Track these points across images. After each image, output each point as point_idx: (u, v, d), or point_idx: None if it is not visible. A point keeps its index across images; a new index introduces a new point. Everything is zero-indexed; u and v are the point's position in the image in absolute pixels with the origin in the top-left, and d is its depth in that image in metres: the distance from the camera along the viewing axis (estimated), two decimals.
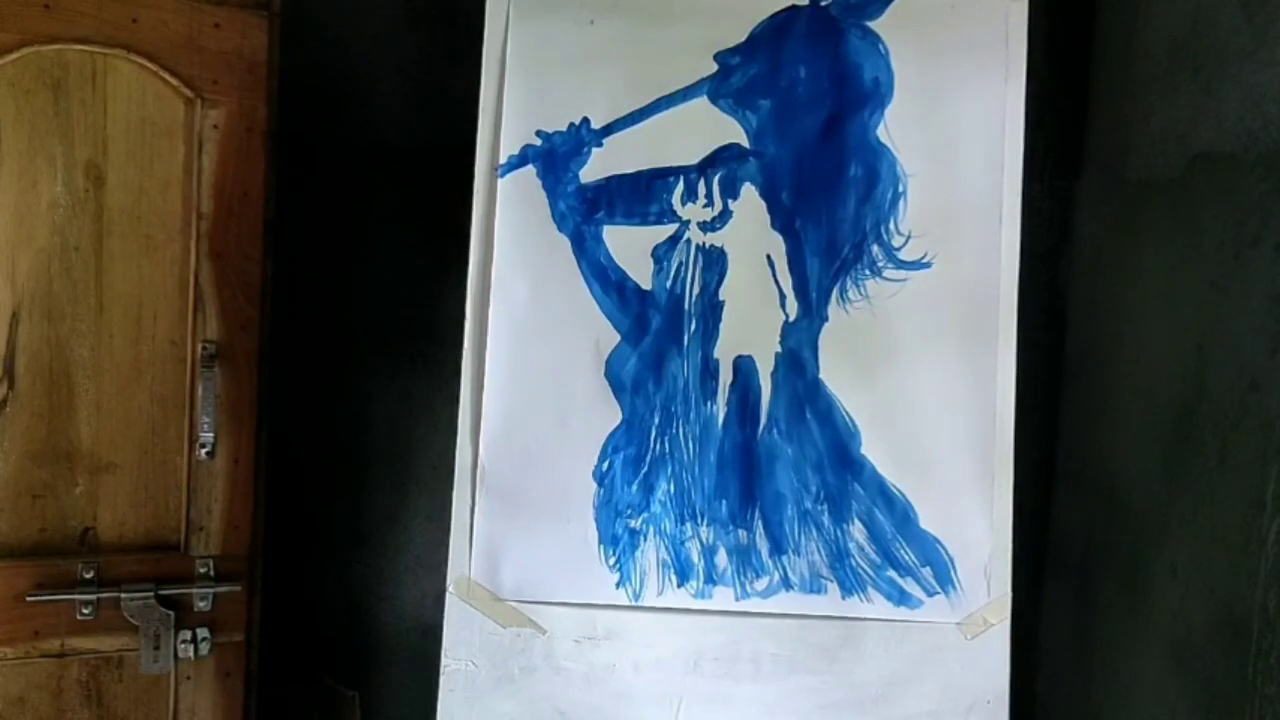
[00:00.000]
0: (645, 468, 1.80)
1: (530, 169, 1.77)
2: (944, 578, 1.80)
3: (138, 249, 1.74)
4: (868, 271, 1.79)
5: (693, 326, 1.80)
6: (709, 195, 1.79)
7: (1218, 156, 1.67)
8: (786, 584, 1.80)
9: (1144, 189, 1.90)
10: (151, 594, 1.77)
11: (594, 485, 1.79)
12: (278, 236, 1.85)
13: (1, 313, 1.69)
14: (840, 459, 1.80)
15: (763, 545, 1.80)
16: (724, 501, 1.80)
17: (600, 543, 1.79)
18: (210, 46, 1.74)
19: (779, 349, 1.80)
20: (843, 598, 1.80)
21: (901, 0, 1.78)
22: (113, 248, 1.73)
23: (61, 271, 1.71)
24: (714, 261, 1.79)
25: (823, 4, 1.79)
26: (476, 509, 1.78)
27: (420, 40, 2.17)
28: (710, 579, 1.80)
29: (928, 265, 1.79)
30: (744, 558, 1.80)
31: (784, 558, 1.80)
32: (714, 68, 1.78)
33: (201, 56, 1.74)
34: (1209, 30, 1.71)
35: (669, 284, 1.79)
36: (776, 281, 1.80)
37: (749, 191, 1.79)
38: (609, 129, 1.78)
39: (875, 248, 1.79)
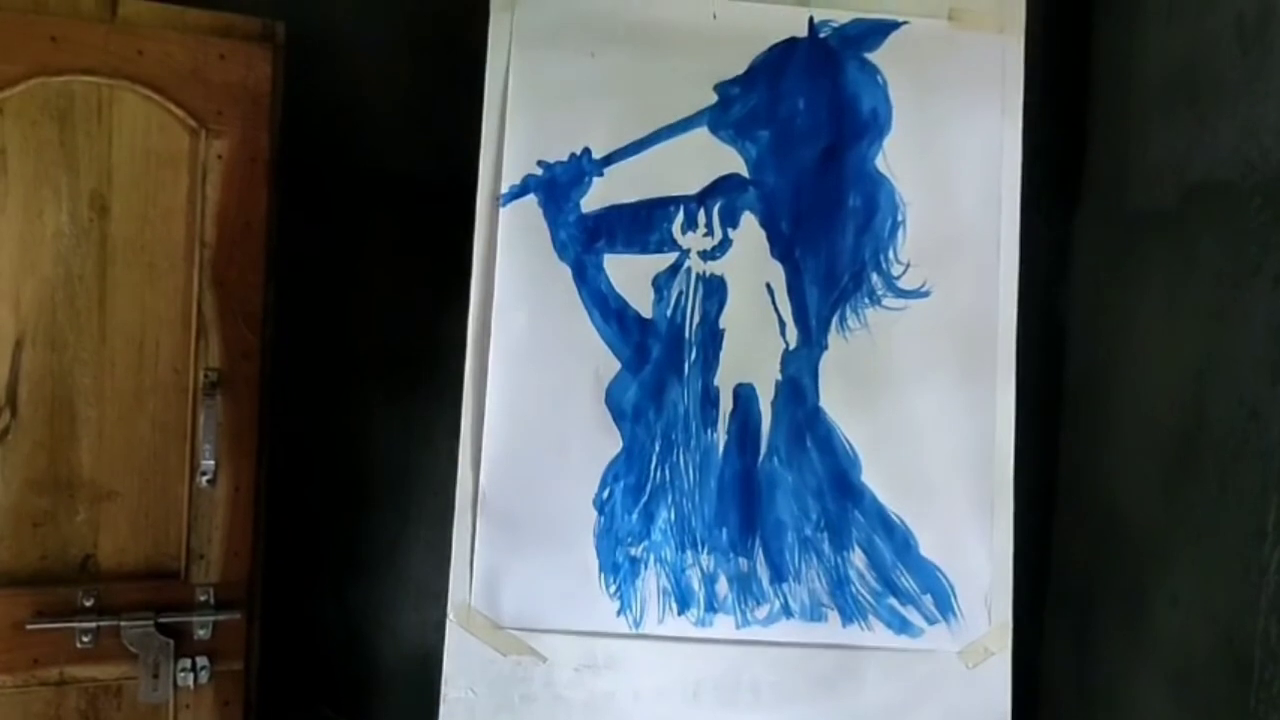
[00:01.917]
0: (646, 496, 1.80)
1: (532, 198, 1.78)
2: (944, 606, 1.79)
3: (141, 278, 1.75)
4: (867, 300, 1.80)
5: (693, 355, 1.80)
6: (709, 224, 1.80)
7: (1215, 187, 1.68)
8: (787, 612, 1.80)
9: (1142, 219, 1.91)
10: (151, 622, 1.76)
11: (594, 513, 1.79)
12: (280, 264, 1.86)
13: (5, 341, 1.70)
14: (840, 486, 1.80)
15: (763, 573, 1.80)
16: (724, 529, 1.80)
17: (601, 570, 1.79)
18: (215, 78, 1.76)
19: (779, 377, 1.80)
20: (843, 626, 1.80)
21: (899, 33, 1.80)
22: (116, 276, 1.74)
23: (65, 300, 1.72)
24: (714, 290, 1.80)
25: (821, 36, 1.81)
26: (477, 537, 1.77)
27: (423, 70, 2.18)
28: (711, 607, 1.80)
29: (926, 294, 1.80)
30: (744, 585, 1.80)
31: (784, 585, 1.80)
32: (714, 98, 1.80)
33: (206, 88, 1.76)
34: (1205, 63, 1.73)
35: (669, 312, 1.80)
36: (776, 310, 1.81)
37: (749, 220, 1.80)
38: (610, 159, 1.79)
39: (874, 276, 1.80)
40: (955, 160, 1.80)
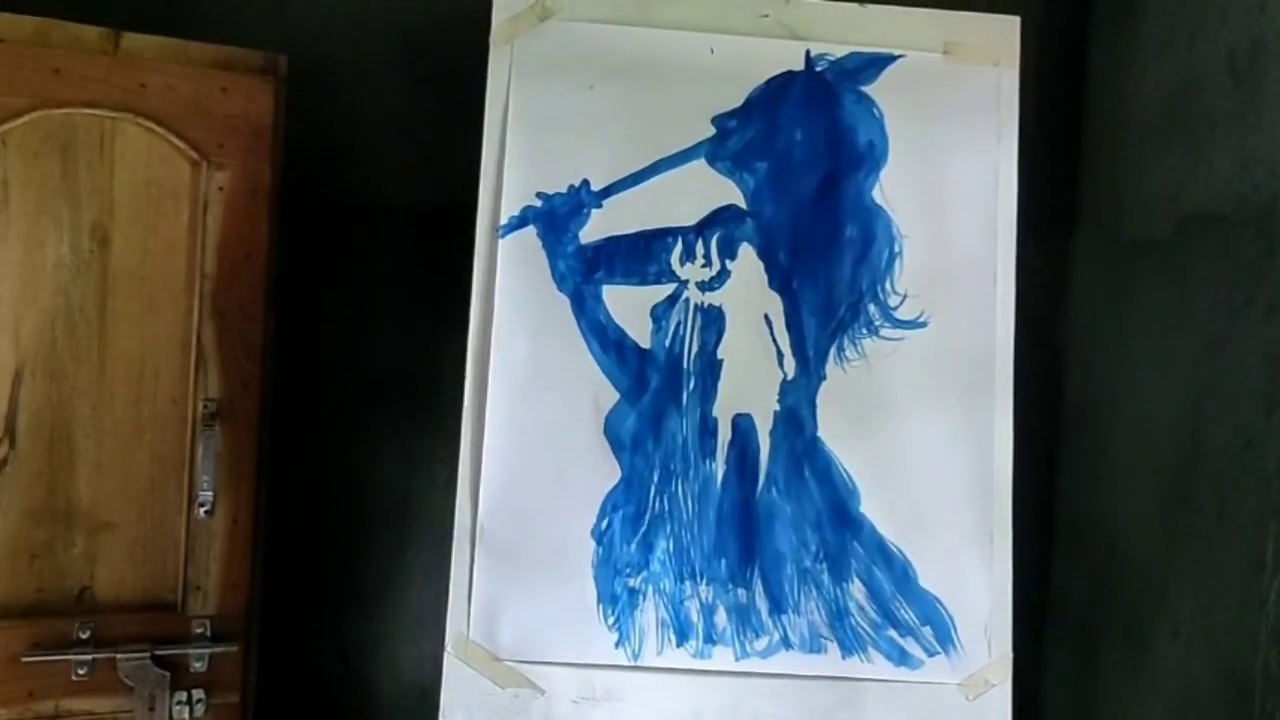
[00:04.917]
0: (644, 526, 1.79)
1: (531, 229, 1.79)
2: (944, 637, 1.79)
3: (141, 309, 1.75)
4: (864, 330, 1.81)
5: (691, 385, 1.80)
6: (707, 255, 1.81)
7: (1209, 218, 1.70)
8: (786, 643, 1.79)
9: (1137, 249, 1.92)
10: (147, 654, 1.75)
11: (593, 544, 1.79)
12: (280, 295, 1.87)
13: (4, 371, 1.70)
14: (839, 517, 1.80)
15: (762, 604, 1.80)
16: (723, 560, 1.80)
17: (599, 602, 1.78)
18: (217, 111, 1.77)
19: (777, 407, 1.81)
20: (843, 658, 1.79)
21: (895, 66, 1.82)
22: (116, 307, 1.74)
23: (65, 331, 1.72)
24: (712, 320, 1.81)
25: (818, 69, 1.82)
26: (475, 568, 1.77)
27: (423, 103, 2.20)
28: (710, 638, 1.79)
29: (924, 324, 1.81)
30: (743, 617, 1.79)
31: (784, 617, 1.79)
32: (712, 131, 1.81)
33: (208, 120, 1.77)
34: (1198, 95, 1.75)
35: (668, 343, 1.80)
36: (774, 340, 1.81)
37: (746, 251, 1.81)
38: (608, 190, 1.80)
39: (872, 307, 1.81)
40: (952, 192, 1.81)
